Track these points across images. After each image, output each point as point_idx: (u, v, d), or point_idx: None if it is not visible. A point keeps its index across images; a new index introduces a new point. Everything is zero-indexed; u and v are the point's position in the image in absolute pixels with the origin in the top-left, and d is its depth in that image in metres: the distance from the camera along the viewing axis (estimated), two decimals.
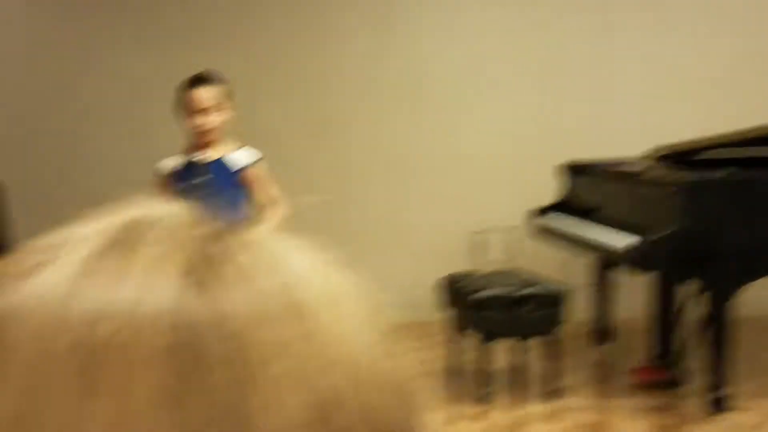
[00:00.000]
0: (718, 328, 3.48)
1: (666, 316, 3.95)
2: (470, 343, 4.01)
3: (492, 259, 5.29)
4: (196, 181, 3.01)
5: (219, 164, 3.14)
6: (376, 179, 5.38)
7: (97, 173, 5.41)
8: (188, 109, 3.12)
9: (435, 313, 4.42)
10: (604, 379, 4.22)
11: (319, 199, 5.29)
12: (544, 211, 4.54)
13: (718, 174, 3.59)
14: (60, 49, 5.38)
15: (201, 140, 3.13)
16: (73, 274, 0.33)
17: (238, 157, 3.17)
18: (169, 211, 0.36)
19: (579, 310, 4.75)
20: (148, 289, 0.32)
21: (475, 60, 5.31)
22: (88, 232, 0.35)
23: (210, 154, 3.13)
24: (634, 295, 4.63)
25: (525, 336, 3.94)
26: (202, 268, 0.33)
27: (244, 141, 5.32)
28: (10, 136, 5.40)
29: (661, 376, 3.91)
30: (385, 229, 5.40)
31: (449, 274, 4.19)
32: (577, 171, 4.48)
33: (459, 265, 5.21)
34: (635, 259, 3.48)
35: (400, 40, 5.33)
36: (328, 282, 0.36)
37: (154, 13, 5.34)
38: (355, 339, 0.35)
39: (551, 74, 5.31)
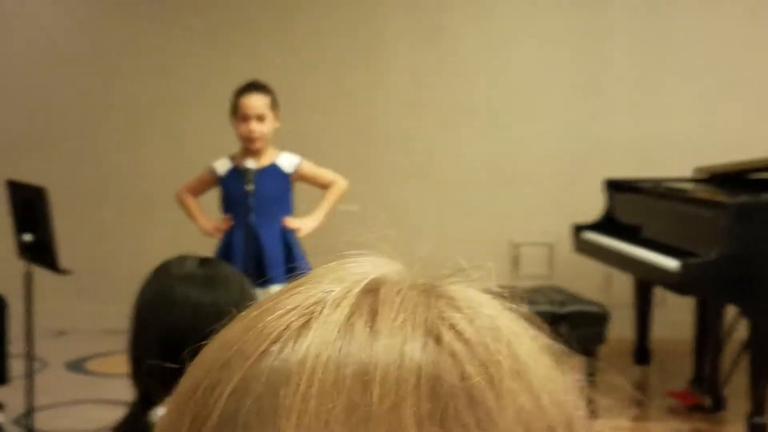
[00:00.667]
0: (759, 354, 3.43)
1: (707, 339, 3.90)
2: None
3: (533, 273, 5.27)
4: (250, 186, 3.09)
5: (274, 169, 3.23)
6: (417, 190, 5.38)
7: (139, 176, 5.47)
8: (240, 115, 3.18)
9: None
10: (642, 401, 4.17)
11: (357, 207, 5.31)
12: (587, 227, 4.51)
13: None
14: (102, 51, 5.46)
15: (251, 146, 3.20)
16: (337, 335, 0.37)
17: (286, 160, 3.25)
18: (395, 269, 0.42)
19: (620, 329, 4.70)
20: (403, 351, 0.36)
21: (520, 74, 5.29)
22: (337, 295, 0.39)
23: (262, 161, 3.21)
24: (677, 315, 4.59)
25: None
26: (439, 327, 0.37)
27: (285, 146, 5.38)
28: (51, 138, 5.49)
29: (700, 399, 3.86)
30: (424, 240, 5.39)
31: (486, 288, 4.16)
32: (620, 188, 4.45)
33: (500, 277, 5.19)
34: (678, 282, 3.44)
35: (446, 52, 5.32)
36: (534, 338, 0.40)
37: (201, 18, 5.40)
38: (560, 392, 0.39)
39: (596, 90, 5.28)
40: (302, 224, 3.23)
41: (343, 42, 5.36)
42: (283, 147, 5.25)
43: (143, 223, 5.47)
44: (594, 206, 4.60)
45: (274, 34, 5.38)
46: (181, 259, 1.22)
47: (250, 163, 3.16)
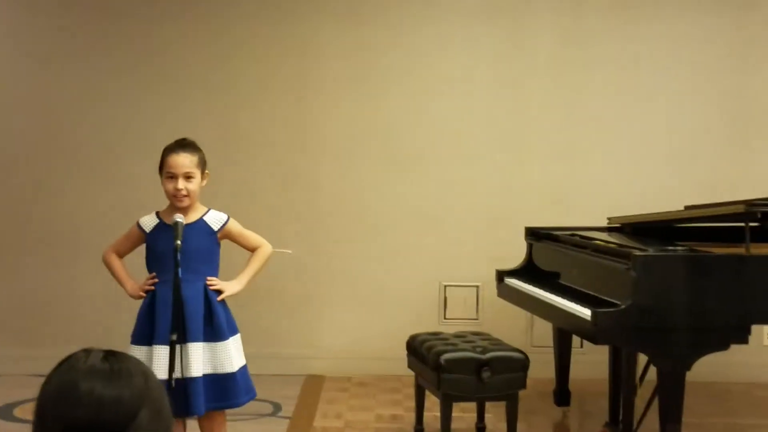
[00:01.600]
0: (670, 400, 3.59)
1: (621, 382, 4.06)
2: (431, 401, 4.12)
3: (461, 314, 5.42)
4: (178, 241, 3.11)
5: (201, 225, 3.26)
6: (348, 233, 5.50)
7: (70, 220, 5.48)
8: (168, 173, 3.23)
9: (407, 368, 4.51)
10: None
11: (291, 251, 5.40)
12: (509, 272, 4.67)
13: (674, 250, 3.75)
14: (30, 94, 5.47)
15: (178, 204, 3.24)
16: None
17: (214, 217, 3.30)
18: None
19: (543, 369, 4.86)
20: None
21: (447, 122, 5.47)
22: None
23: (190, 217, 3.25)
24: (596, 355, 4.75)
25: (487, 400, 4.04)
26: None
27: (219, 190, 5.44)
28: None
29: None
30: (356, 282, 5.50)
31: (414, 335, 4.29)
32: (538, 236, 4.63)
33: (430, 318, 5.33)
34: (589, 330, 3.59)
35: (376, 100, 5.47)
36: None
37: (134, 63, 5.46)
38: None
39: (518, 139, 5.47)
40: (226, 287, 3.29)
41: (274, 87, 5.47)
42: (216, 192, 5.33)
43: (74, 267, 5.48)
44: (521, 251, 4.77)
45: (207, 83, 5.46)
46: (85, 353, 1.26)
47: (180, 218, 3.21)
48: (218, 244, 3.33)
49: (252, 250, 3.41)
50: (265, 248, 3.40)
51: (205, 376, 3.18)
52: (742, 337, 3.62)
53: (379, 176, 5.48)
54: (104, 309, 5.40)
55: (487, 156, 5.47)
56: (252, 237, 3.40)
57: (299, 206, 5.49)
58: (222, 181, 5.42)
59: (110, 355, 1.28)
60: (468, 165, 5.47)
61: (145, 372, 1.29)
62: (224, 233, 3.33)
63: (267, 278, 5.47)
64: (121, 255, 3.40)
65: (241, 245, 3.40)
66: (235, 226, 3.36)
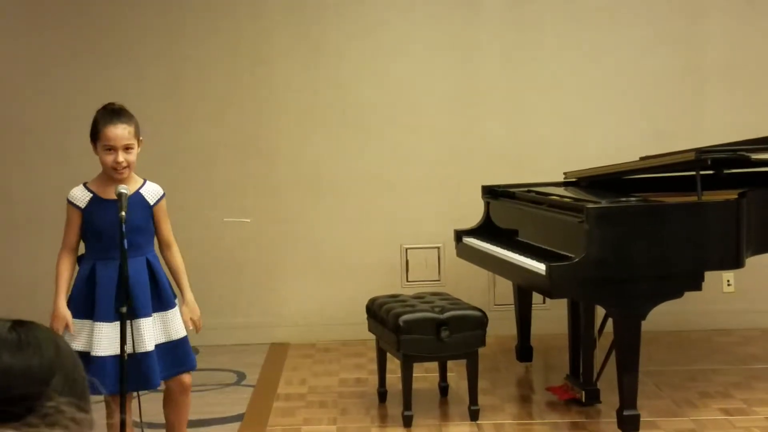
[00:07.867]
0: (626, 350, 3.61)
1: (580, 336, 4.08)
2: (394, 364, 4.11)
3: (423, 276, 5.41)
4: (123, 213, 3.02)
5: (138, 198, 3.18)
6: (306, 200, 5.46)
7: (24, 196, 5.40)
8: (106, 146, 3.13)
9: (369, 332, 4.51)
10: (524, 397, 4.35)
11: (249, 220, 5.35)
12: (467, 232, 4.65)
13: (626, 201, 3.74)
14: None
15: (118, 176, 3.14)
16: None
17: (150, 190, 3.21)
18: None
19: (506, 326, 4.88)
20: None
21: (401, 86, 5.42)
22: None
23: (129, 188, 3.15)
24: (558, 310, 4.77)
25: (447, 359, 4.05)
26: None
27: (175, 158, 5.36)
28: None
29: (575, 394, 4.05)
30: (317, 248, 5.47)
31: (373, 298, 4.28)
32: (495, 194, 4.61)
33: (393, 282, 5.32)
34: (545, 285, 3.59)
35: (330, 66, 5.41)
36: None
37: (85, 35, 5.35)
38: None
39: (472, 100, 5.43)
40: (195, 313, 3.22)
41: (229, 55, 5.39)
42: (173, 160, 5.26)
43: (29, 244, 5.40)
44: (481, 210, 4.75)
45: (160, 49, 5.37)
46: None
47: (124, 188, 3.12)
48: (152, 218, 3.22)
49: (162, 239, 3.26)
50: (178, 251, 3.27)
51: (159, 345, 3.14)
52: (696, 285, 3.63)
53: (336, 142, 5.44)
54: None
55: (442, 117, 5.43)
56: (168, 227, 3.26)
57: (257, 175, 5.44)
58: (179, 151, 5.36)
59: (18, 324, 1.24)
60: (424, 127, 5.43)
61: (55, 341, 1.25)
62: (157, 208, 3.22)
63: (228, 248, 5.44)
64: (76, 246, 3.23)
65: (156, 226, 3.24)
66: (164, 205, 3.25)
